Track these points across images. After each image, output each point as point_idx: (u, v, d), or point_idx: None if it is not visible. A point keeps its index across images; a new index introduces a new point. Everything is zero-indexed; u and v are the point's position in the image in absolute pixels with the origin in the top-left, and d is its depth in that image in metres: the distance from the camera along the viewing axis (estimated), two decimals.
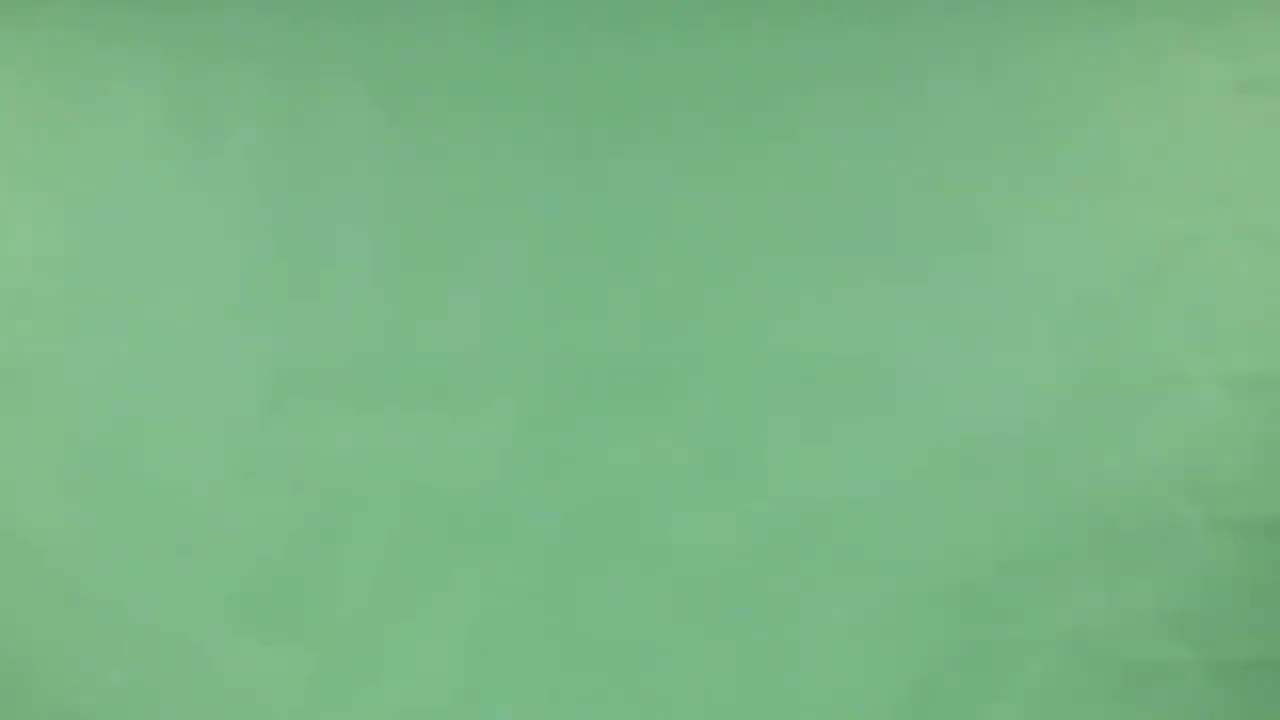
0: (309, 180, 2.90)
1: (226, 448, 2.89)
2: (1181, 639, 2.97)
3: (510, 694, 2.94)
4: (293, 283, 2.90)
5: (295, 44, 2.91)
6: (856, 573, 2.96)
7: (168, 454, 2.88)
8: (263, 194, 2.90)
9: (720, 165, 2.94)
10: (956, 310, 2.94)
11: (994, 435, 2.94)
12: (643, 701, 2.95)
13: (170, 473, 2.88)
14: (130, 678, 2.88)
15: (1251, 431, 2.91)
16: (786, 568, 2.95)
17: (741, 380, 2.94)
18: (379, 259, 2.91)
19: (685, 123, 2.94)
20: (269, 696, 2.90)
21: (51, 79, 2.90)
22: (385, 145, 2.91)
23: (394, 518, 2.91)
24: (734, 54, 2.95)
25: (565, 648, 2.94)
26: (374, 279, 2.91)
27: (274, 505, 2.89)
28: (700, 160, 2.94)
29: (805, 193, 2.96)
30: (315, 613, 2.91)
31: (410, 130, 2.91)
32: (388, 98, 2.92)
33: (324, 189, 2.90)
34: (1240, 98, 2.98)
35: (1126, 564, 2.94)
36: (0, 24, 2.90)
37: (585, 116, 2.94)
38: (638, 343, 2.93)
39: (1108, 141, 2.96)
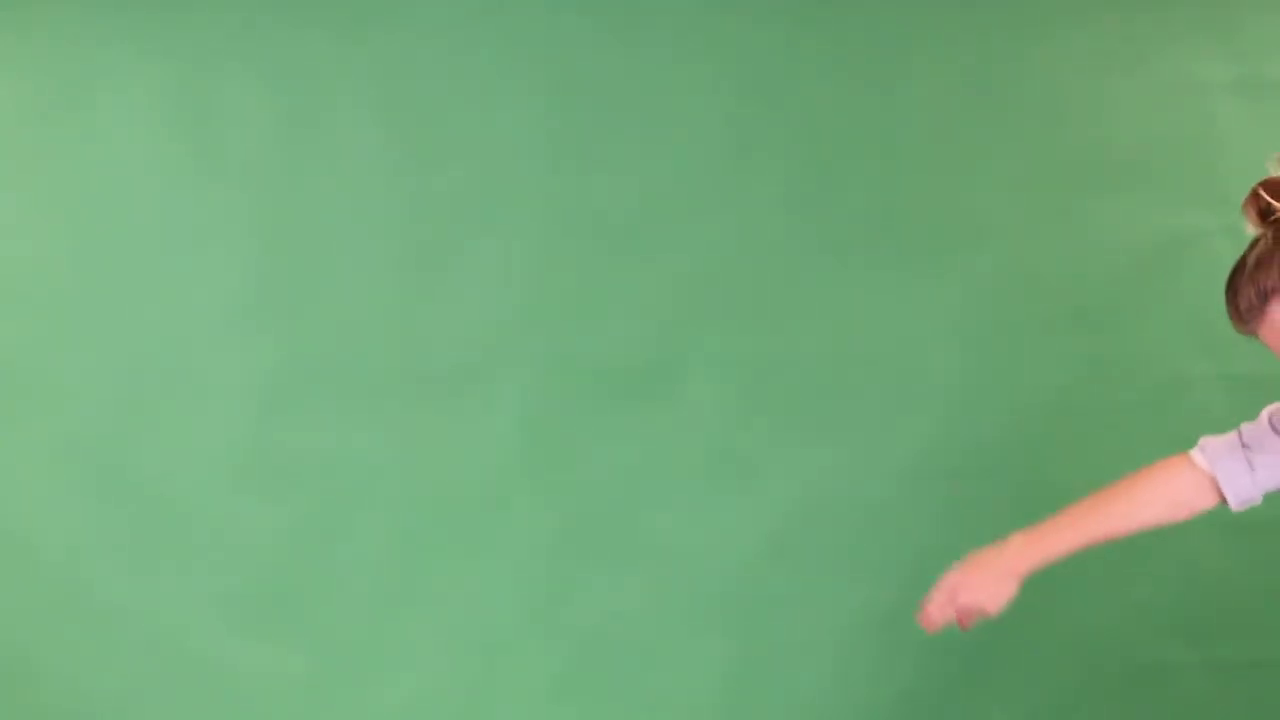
0: (309, 180, 2.90)
1: (226, 447, 2.89)
2: (1181, 639, 2.97)
3: (510, 694, 2.94)
4: (293, 282, 2.90)
5: (296, 43, 2.91)
6: (856, 573, 2.97)
7: (167, 454, 2.88)
8: (263, 194, 2.90)
9: (720, 165, 2.94)
10: (955, 310, 2.94)
11: (993, 435, 2.94)
12: (643, 701, 2.95)
13: (170, 472, 2.88)
14: (130, 678, 2.88)
15: None
16: (786, 568, 2.96)
17: (741, 380, 2.94)
18: (379, 259, 2.91)
19: (684, 123, 2.94)
20: (269, 696, 2.90)
21: (51, 79, 2.90)
22: (385, 145, 2.91)
23: (394, 518, 2.91)
24: (734, 52, 2.95)
25: (565, 648, 2.94)
26: (374, 279, 2.91)
27: (274, 505, 2.89)
28: (700, 161, 2.94)
29: (803, 192, 2.96)
30: (315, 613, 2.91)
31: (410, 130, 2.91)
32: (388, 98, 2.92)
33: (324, 189, 2.90)
34: (1238, 98, 2.98)
35: (1126, 564, 2.94)
36: (0, 24, 2.90)
37: (585, 117, 2.94)
38: (638, 343, 2.93)
39: (1106, 141, 2.96)
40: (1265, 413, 2.09)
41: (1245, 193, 3.00)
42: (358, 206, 2.91)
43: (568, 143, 2.93)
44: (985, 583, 2.06)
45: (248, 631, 2.90)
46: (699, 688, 2.96)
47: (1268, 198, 1.94)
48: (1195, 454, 2.09)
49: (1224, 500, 2.05)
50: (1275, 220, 1.91)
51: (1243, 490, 2.05)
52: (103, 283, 2.88)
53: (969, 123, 2.95)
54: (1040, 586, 2.95)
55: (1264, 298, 1.88)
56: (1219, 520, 2.92)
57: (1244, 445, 2.08)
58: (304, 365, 2.90)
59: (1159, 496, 2.07)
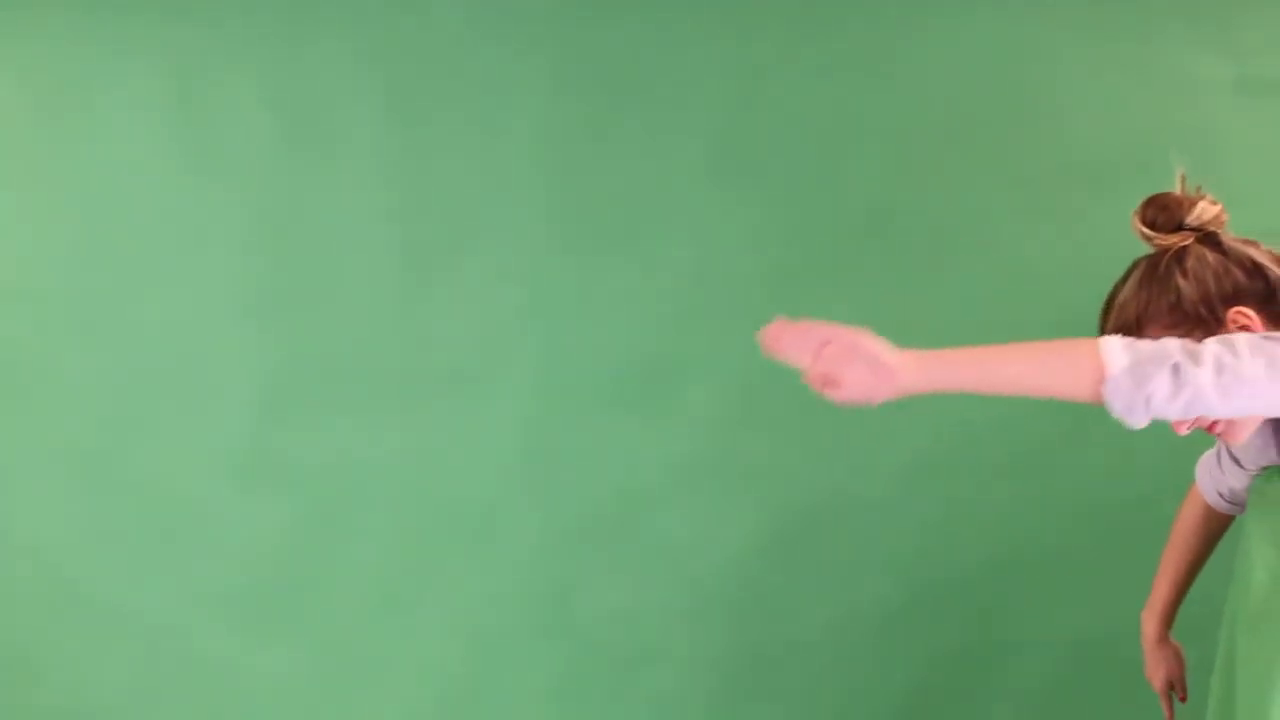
0: (309, 180, 2.90)
1: (226, 447, 2.89)
2: (1180, 638, 2.96)
3: (510, 694, 2.94)
4: (293, 283, 2.90)
5: (296, 44, 2.91)
6: (855, 573, 2.97)
7: (167, 454, 2.88)
8: (263, 194, 2.90)
9: (720, 166, 2.94)
10: (954, 310, 2.94)
11: (992, 434, 2.94)
12: (643, 701, 2.95)
13: (170, 472, 2.88)
14: (130, 678, 2.88)
15: None
16: (786, 567, 2.95)
17: (740, 380, 2.94)
18: (379, 259, 2.91)
19: (684, 124, 2.94)
20: (269, 696, 2.90)
21: (52, 80, 2.90)
22: (385, 145, 2.91)
23: (394, 518, 2.91)
24: (734, 51, 2.95)
25: (565, 648, 2.94)
26: (374, 279, 2.91)
27: (274, 505, 2.89)
28: (700, 161, 2.94)
29: (803, 193, 2.96)
30: (315, 613, 2.91)
31: (410, 130, 2.91)
32: (388, 96, 2.92)
33: (324, 189, 2.90)
34: (1238, 98, 2.98)
35: (1126, 564, 2.93)
36: (0, 24, 2.90)
37: (585, 117, 2.94)
38: (637, 343, 2.93)
39: (1106, 141, 2.96)
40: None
41: (1246, 192, 3.01)
42: (358, 206, 2.91)
43: (568, 143, 2.93)
44: None
45: (247, 631, 2.90)
46: (699, 687, 2.96)
47: (1139, 224, 1.92)
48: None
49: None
50: (1153, 243, 1.90)
51: (1210, 493, 2.17)
52: (103, 283, 2.88)
53: (969, 123, 2.95)
54: (1039, 586, 2.96)
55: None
56: None
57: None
58: (304, 365, 2.90)
59: (1201, 520, 2.21)
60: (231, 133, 2.89)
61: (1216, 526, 2.21)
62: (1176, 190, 1.94)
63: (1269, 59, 2.97)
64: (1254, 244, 1.91)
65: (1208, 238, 1.89)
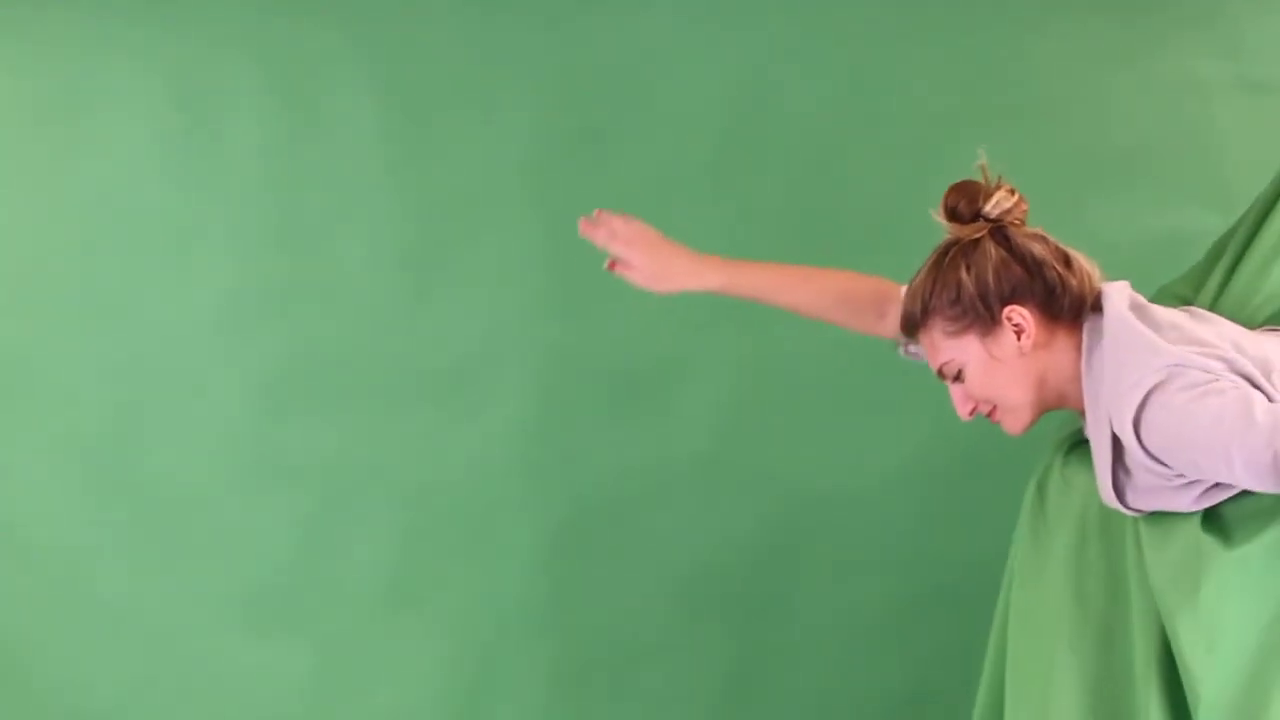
0: (309, 179, 2.90)
1: (226, 447, 2.89)
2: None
3: (510, 694, 2.94)
4: (293, 283, 2.90)
5: (296, 44, 2.91)
6: (855, 572, 2.97)
7: (168, 453, 2.88)
8: (263, 194, 2.89)
9: (718, 165, 2.94)
10: None
11: (991, 433, 2.94)
12: (642, 701, 2.95)
13: (170, 472, 2.88)
14: (130, 678, 2.88)
15: None
16: (785, 567, 2.96)
17: (739, 380, 2.94)
18: (379, 259, 2.91)
19: (685, 121, 2.94)
20: (269, 696, 2.90)
21: (48, 80, 2.89)
22: (386, 145, 2.91)
23: (394, 517, 2.91)
24: (733, 50, 2.96)
25: (565, 647, 2.94)
26: (374, 279, 2.91)
27: (274, 504, 2.89)
28: (700, 159, 2.94)
29: (802, 191, 2.96)
30: (315, 612, 2.91)
31: (410, 130, 2.91)
32: (389, 98, 2.92)
33: (324, 189, 2.90)
34: (1238, 98, 2.98)
35: None
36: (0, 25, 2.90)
37: (585, 116, 2.94)
38: (637, 342, 2.93)
39: (1106, 140, 2.96)
40: None
41: (1246, 191, 3.00)
42: (358, 206, 2.91)
43: (567, 143, 2.93)
44: None
45: (248, 631, 2.90)
46: (699, 688, 2.96)
47: (939, 211, 1.92)
48: None
49: None
50: (949, 232, 1.90)
51: None
52: (102, 282, 2.88)
53: (969, 122, 2.95)
54: None
55: (914, 328, 1.90)
56: None
57: None
58: (304, 365, 2.90)
59: (856, 296, 2.18)
60: (232, 133, 2.89)
61: (854, 314, 2.10)
62: (979, 177, 1.93)
63: (1269, 59, 2.97)
64: (1042, 239, 1.93)
65: (999, 231, 1.89)
